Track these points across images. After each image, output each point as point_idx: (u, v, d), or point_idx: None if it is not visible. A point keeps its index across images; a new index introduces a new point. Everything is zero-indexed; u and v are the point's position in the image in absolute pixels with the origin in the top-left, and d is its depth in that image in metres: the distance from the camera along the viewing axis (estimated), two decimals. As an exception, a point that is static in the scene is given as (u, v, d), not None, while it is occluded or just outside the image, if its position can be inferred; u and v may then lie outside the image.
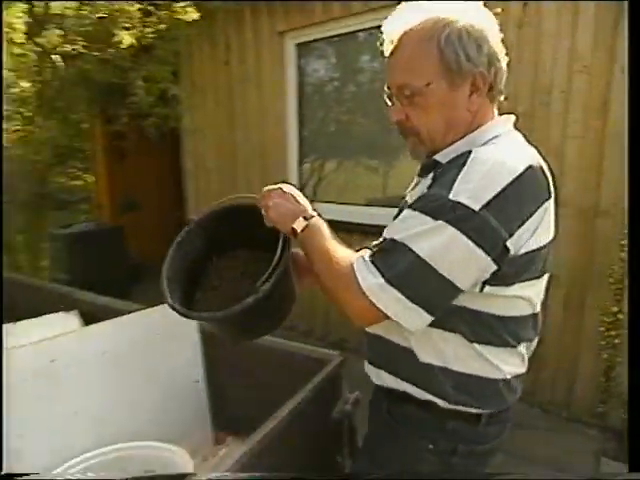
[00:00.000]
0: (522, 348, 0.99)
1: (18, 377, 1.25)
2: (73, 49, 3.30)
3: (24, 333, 1.79)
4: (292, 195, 0.99)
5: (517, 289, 0.91)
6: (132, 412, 1.40)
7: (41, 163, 3.65)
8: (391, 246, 0.86)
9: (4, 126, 3.50)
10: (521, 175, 0.85)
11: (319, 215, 0.98)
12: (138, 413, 1.39)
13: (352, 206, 3.43)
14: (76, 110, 3.84)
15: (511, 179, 0.84)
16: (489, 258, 0.84)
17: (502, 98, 0.98)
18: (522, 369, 1.01)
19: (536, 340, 1.04)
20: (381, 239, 0.92)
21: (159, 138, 3.47)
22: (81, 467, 1.27)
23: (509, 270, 0.88)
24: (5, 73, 3.57)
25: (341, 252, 0.91)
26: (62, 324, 1.85)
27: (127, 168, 4.55)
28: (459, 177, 0.85)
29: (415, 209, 0.87)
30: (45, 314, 1.95)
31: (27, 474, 0.68)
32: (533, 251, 0.89)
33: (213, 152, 3.86)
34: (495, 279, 0.89)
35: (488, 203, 0.82)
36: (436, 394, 0.97)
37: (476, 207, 0.82)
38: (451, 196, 0.83)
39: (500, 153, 0.88)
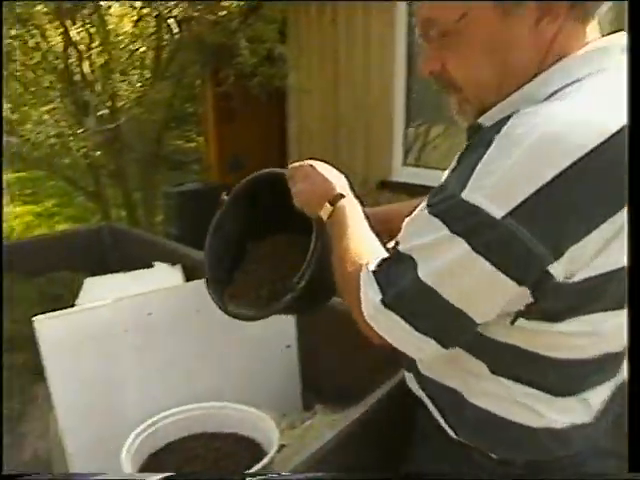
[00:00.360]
0: (588, 394, 0.74)
1: (120, 328, 1.29)
2: (186, 14, 3.36)
3: (131, 283, 1.90)
4: (320, 175, 0.88)
5: (576, 325, 0.66)
6: (221, 373, 1.40)
7: (157, 123, 3.84)
8: (398, 257, 0.69)
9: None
10: (590, 156, 0.54)
11: (356, 198, 0.86)
12: (227, 374, 1.38)
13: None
14: (189, 73, 3.95)
15: (565, 165, 0.54)
16: (519, 286, 0.60)
17: (604, 9, 0.63)
18: (584, 418, 0.75)
19: (620, 379, 0.77)
20: (395, 240, 0.74)
21: (265, 99, 3.47)
22: (169, 421, 1.28)
23: (557, 303, 0.63)
24: (126, 38, 3.77)
25: (359, 249, 0.77)
26: (166, 277, 1.92)
27: (235, 130, 4.64)
28: (480, 164, 0.59)
29: (429, 206, 0.66)
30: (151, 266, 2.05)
31: (27, 474, 0.63)
32: (603, 275, 0.61)
33: (317, 114, 3.77)
34: (535, 312, 0.65)
35: (518, 207, 0.56)
36: (450, 422, 0.82)
37: (498, 213, 0.57)
38: (464, 195, 0.59)
39: (562, 116, 0.57)
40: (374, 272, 0.70)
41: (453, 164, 0.71)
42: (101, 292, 1.81)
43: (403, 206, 1.04)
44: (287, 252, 1.07)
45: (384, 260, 0.72)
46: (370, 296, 0.69)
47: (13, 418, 1.68)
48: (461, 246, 0.60)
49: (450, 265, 0.62)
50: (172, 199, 4.05)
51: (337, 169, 0.94)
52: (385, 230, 0.87)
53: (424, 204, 0.68)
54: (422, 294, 0.64)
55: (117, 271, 2.10)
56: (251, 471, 1.07)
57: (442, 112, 3.61)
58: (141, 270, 2.03)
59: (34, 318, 1.17)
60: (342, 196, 0.85)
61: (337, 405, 1.49)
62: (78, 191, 4.34)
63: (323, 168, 0.92)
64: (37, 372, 1.30)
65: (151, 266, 2.06)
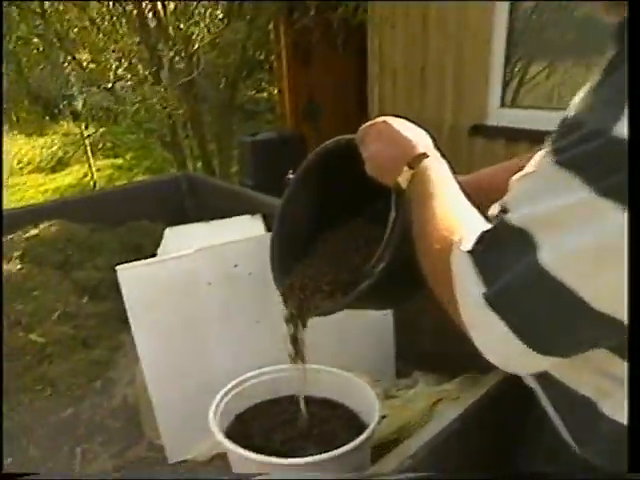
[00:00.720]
0: None
1: (203, 280, 1.19)
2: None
3: (212, 233, 1.82)
4: (395, 132, 0.72)
5: None
6: (311, 334, 1.27)
7: (231, 68, 3.70)
8: (507, 231, 0.49)
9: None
10: None
11: (443, 157, 0.70)
12: (318, 335, 1.25)
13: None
14: (263, 12, 3.74)
15: None
16: None
17: None
18: None
19: None
20: (500, 204, 0.53)
21: (344, 36, 3.20)
22: (257, 381, 1.19)
23: None
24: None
25: (449, 221, 0.58)
26: (247, 227, 1.82)
27: (310, 74, 4.43)
28: None
29: (554, 152, 0.45)
30: (234, 215, 1.96)
31: (27, 474, 0.62)
32: None
33: (401, 50, 3.45)
34: None
35: None
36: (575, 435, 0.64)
37: None
38: (618, 131, 0.39)
39: None
40: (471, 253, 0.51)
41: (587, 90, 0.53)
42: (182, 242, 1.74)
43: (500, 169, 0.85)
44: (365, 235, 0.94)
45: (485, 235, 0.52)
46: (467, 288, 0.51)
47: (102, 364, 1.68)
48: (613, 215, 0.40)
49: (593, 246, 0.41)
50: (247, 149, 3.96)
51: (420, 125, 0.76)
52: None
53: (545, 151, 0.48)
54: (543, 288, 0.45)
55: (195, 221, 2.05)
56: (354, 444, 0.94)
57: (544, 46, 3.19)
58: (221, 220, 1.94)
59: (117, 267, 1.09)
60: (424, 156, 0.69)
61: (439, 374, 1.34)
62: (156, 143, 4.37)
63: (400, 124, 0.74)
64: (123, 320, 1.26)
65: (229, 215, 1.97)
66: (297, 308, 0.94)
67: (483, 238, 0.52)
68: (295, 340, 1.00)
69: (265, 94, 6.26)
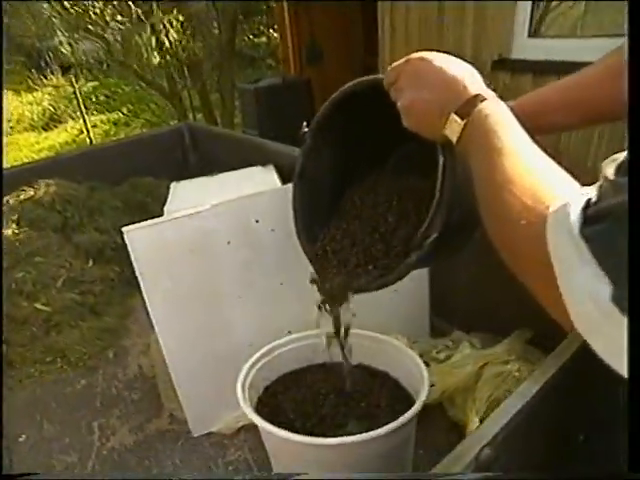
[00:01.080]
0: None
1: (222, 238, 1.06)
2: None
3: (223, 187, 1.68)
4: (437, 71, 0.57)
5: None
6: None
7: (228, 9, 3.42)
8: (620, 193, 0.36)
9: None
10: None
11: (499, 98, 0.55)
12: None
13: (597, 39, 2.53)
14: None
15: None
16: None
17: None
18: None
19: None
20: (614, 167, 0.39)
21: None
22: (286, 349, 1.08)
23: None
24: None
25: (530, 183, 0.45)
26: (261, 179, 1.68)
27: (311, 14, 4.11)
28: None
29: None
30: (243, 167, 1.81)
31: (27, 474, 0.59)
32: None
33: (414, -21, 3.14)
34: None
35: None
36: None
37: None
38: None
39: None
40: (584, 235, 0.37)
41: None
42: (190, 197, 1.60)
43: (561, 88, 0.71)
44: (397, 189, 0.85)
45: (599, 210, 0.38)
46: (582, 284, 0.37)
47: (113, 331, 1.59)
48: None
49: None
50: (249, 97, 3.73)
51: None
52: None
53: None
54: None
55: (201, 174, 1.90)
56: (403, 419, 0.83)
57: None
58: (230, 172, 1.79)
59: (124, 229, 0.96)
60: (479, 99, 0.55)
61: (481, 333, 1.23)
62: (154, 94, 4.13)
63: (442, 60, 0.58)
64: (132, 284, 1.14)
65: (237, 167, 1.82)
66: (332, 291, 0.84)
67: (598, 216, 0.38)
68: (337, 320, 0.90)
69: (264, 38, 5.92)
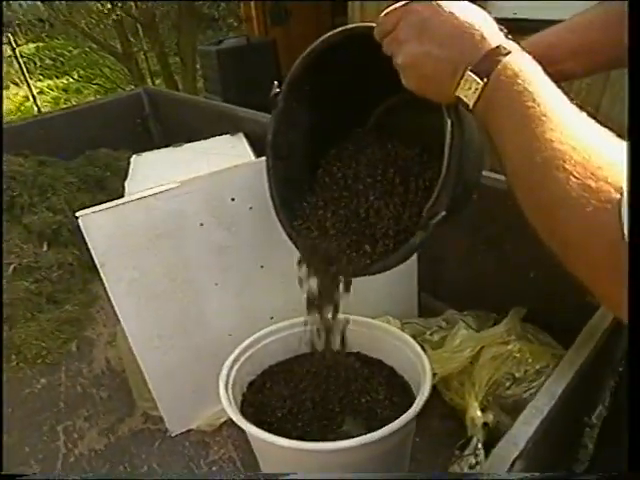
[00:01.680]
0: None
1: (193, 220, 0.94)
2: None
3: (190, 159, 1.54)
4: (449, 20, 0.47)
5: None
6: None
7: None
8: None
9: None
10: None
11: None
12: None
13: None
14: None
15: None
16: None
17: None
18: None
19: None
20: None
21: None
22: (272, 339, 1.00)
23: None
24: None
25: (590, 160, 0.37)
26: (231, 150, 1.55)
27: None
28: None
29: None
30: (209, 136, 1.67)
31: (26, 475, 0.60)
32: None
33: None
34: None
35: None
36: None
37: None
38: None
39: None
40: None
41: None
42: (154, 172, 1.46)
43: (566, 32, 0.65)
44: (380, 156, 0.78)
45: None
46: None
47: (75, 322, 1.46)
48: None
49: None
50: (211, 59, 3.50)
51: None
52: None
53: None
54: None
55: (163, 145, 1.76)
56: (405, 418, 0.76)
57: None
58: (197, 142, 1.65)
59: (78, 214, 0.83)
60: (501, 52, 0.45)
61: (474, 310, 1.17)
62: (107, 57, 3.83)
63: (452, 4, 0.48)
64: (93, 269, 1.03)
65: (203, 136, 1.68)
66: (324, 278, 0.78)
67: None
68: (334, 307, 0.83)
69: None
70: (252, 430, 0.76)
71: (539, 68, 0.45)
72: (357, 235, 0.74)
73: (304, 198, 0.81)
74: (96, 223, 0.84)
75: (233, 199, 0.94)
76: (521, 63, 0.44)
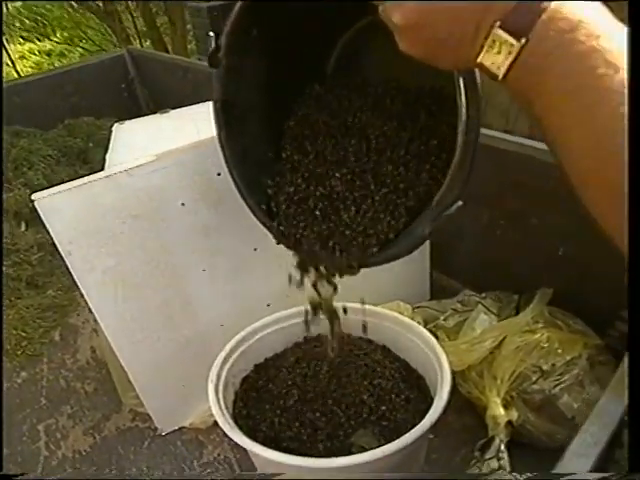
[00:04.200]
0: None
1: (173, 198, 0.84)
2: None
3: (177, 129, 1.42)
4: None
5: None
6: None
7: None
8: None
9: None
10: None
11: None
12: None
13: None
14: None
15: None
16: None
17: None
18: None
19: None
20: None
21: None
22: (268, 332, 0.91)
23: None
24: None
25: None
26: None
27: None
28: None
29: None
30: (204, 100, 1.53)
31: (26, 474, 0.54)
32: None
33: None
34: None
35: None
36: None
37: None
38: None
39: None
40: None
41: None
42: (138, 142, 1.34)
43: None
44: (358, 125, 0.69)
45: None
46: None
47: (58, 308, 1.38)
48: None
49: None
50: (202, 16, 3.31)
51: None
52: None
53: None
54: None
55: (150, 112, 1.64)
56: (427, 421, 0.68)
57: None
58: (184, 108, 1.52)
59: (34, 196, 0.73)
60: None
61: (496, 294, 1.07)
62: (90, 17, 3.63)
63: None
64: None
65: (194, 101, 1.55)
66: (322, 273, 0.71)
67: None
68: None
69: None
70: (247, 445, 0.68)
71: (607, 12, 0.33)
72: (350, 219, 0.66)
73: (273, 174, 0.72)
74: (57, 207, 0.73)
75: (219, 174, 0.83)
76: (578, 8, 0.32)
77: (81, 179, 0.75)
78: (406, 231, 0.65)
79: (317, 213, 0.68)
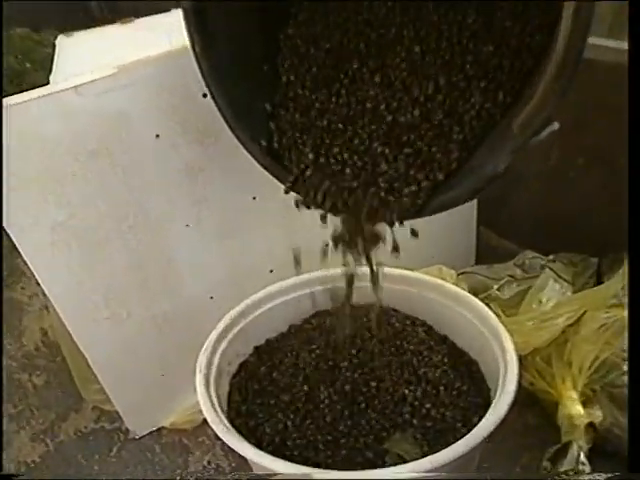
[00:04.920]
0: None
1: (143, 127, 0.80)
2: None
3: (142, 40, 1.36)
4: None
5: None
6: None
7: None
8: None
9: None
10: None
11: None
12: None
13: None
14: None
15: None
16: None
17: None
18: None
19: None
20: None
21: None
22: (273, 305, 0.89)
23: None
24: None
25: None
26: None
27: None
28: None
29: None
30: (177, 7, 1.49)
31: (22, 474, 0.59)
32: None
33: None
34: None
35: None
36: None
37: None
38: None
39: None
40: None
41: None
42: (91, 59, 1.28)
43: None
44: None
45: None
46: None
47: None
48: None
49: None
50: None
51: None
52: None
53: None
54: None
55: (108, 22, 1.59)
56: (486, 424, 0.65)
57: None
58: (145, 18, 1.47)
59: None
60: None
61: (566, 256, 1.08)
62: None
63: None
64: None
65: (166, 9, 1.51)
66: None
67: None
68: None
69: None
70: (260, 459, 0.64)
71: None
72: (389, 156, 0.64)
73: (272, 95, 0.70)
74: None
75: (205, 95, 0.78)
76: None
77: (10, 98, 0.70)
78: (465, 169, 0.61)
79: (342, 154, 0.65)
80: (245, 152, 0.70)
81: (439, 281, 0.89)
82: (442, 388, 0.77)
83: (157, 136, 0.80)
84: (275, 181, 0.74)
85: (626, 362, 0.85)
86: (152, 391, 1.02)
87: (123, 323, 0.93)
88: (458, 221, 1.19)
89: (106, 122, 0.77)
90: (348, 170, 0.64)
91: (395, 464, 0.65)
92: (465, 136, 0.60)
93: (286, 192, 0.69)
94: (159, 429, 1.04)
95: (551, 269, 1.01)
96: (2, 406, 1.09)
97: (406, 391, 0.76)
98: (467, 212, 1.19)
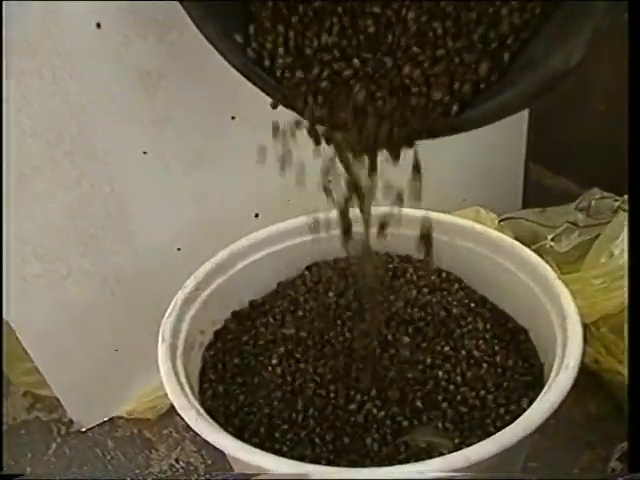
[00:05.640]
0: None
1: (81, 16, 0.77)
2: None
3: None
4: None
5: None
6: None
7: None
8: None
9: None
10: None
11: None
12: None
13: None
14: None
15: None
16: None
17: None
18: None
19: None
20: None
21: None
22: (258, 257, 0.91)
23: None
24: None
25: None
26: None
27: None
28: None
29: None
30: None
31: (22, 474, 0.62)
32: None
33: None
34: None
35: None
36: None
37: None
38: None
39: None
40: None
41: None
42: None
43: None
44: None
45: None
46: None
47: None
48: None
49: None
50: None
51: None
52: None
53: None
54: None
55: None
56: (533, 414, 0.62)
57: None
58: None
59: None
60: None
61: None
62: None
63: None
64: None
65: None
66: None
67: None
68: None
69: None
70: (245, 455, 0.62)
71: None
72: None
73: None
74: None
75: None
76: None
77: None
78: (521, 61, 0.57)
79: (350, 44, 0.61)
80: (217, 53, 0.67)
81: (477, 226, 0.88)
82: (485, 364, 0.76)
83: (98, 25, 0.77)
84: (261, 94, 0.71)
85: None
86: (102, 371, 1.03)
87: (61, 283, 0.93)
88: (500, 151, 1.22)
89: (29, 5, 0.73)
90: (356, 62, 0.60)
91: (419, 460, 0.63)
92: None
93: (274, 106, 0.65)
94: (112, 419, 1.06)
95: (624, 210, 1.02)
96: (2, 411, 1.12)
97: (433, 369, 0.75)
98: (513, 139, 1.23)
